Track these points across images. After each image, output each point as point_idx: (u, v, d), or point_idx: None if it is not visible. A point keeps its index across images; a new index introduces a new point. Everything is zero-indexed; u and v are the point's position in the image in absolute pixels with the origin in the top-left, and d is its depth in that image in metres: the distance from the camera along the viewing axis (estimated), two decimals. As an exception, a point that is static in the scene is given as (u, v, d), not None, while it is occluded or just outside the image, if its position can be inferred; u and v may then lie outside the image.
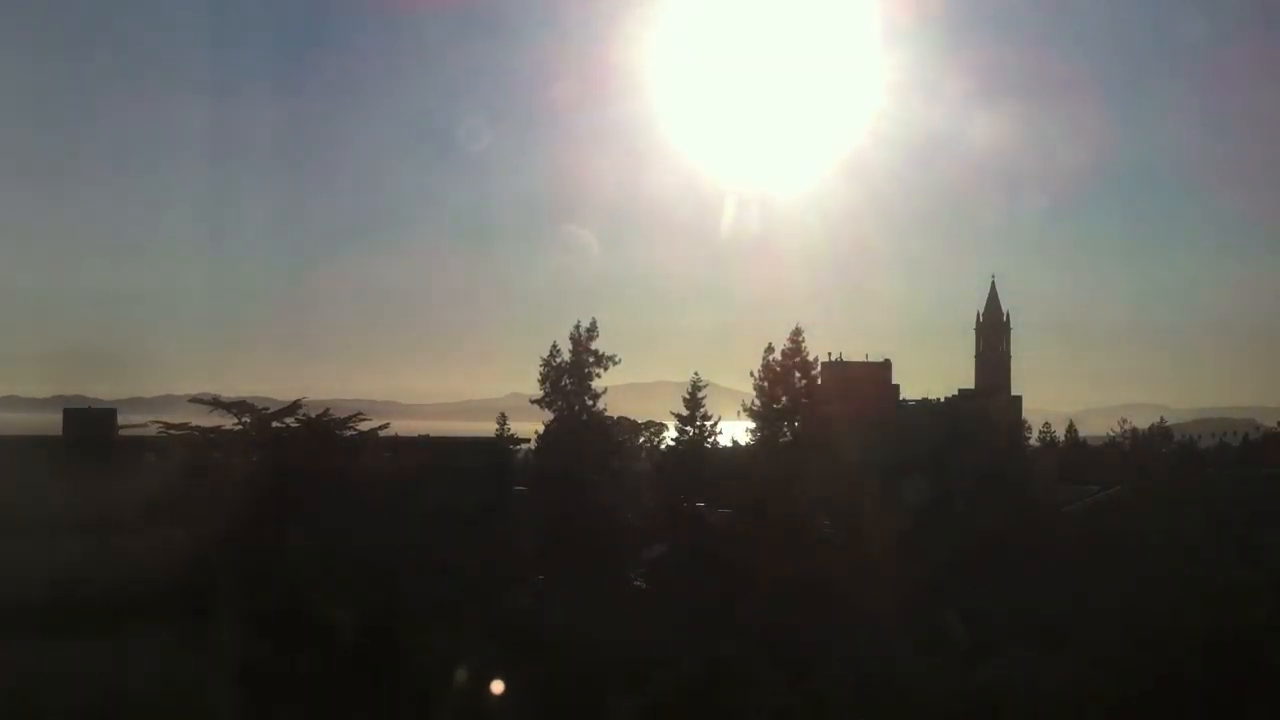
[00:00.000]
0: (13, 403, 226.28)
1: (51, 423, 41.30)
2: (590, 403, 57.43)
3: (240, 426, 28.38)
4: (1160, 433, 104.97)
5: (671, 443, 65.34)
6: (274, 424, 28.75)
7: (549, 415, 57.92)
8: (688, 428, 63.18)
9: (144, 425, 31.51)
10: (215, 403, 29.55)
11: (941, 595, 31.69)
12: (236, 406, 28.90)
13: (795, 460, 56.15)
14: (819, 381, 69.47)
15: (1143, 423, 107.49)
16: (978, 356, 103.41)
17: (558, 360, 57.55)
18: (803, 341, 67.16)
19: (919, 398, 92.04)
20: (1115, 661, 24.50)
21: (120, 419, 39.05)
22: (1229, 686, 22.49)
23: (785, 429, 65.81)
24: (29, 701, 20.43)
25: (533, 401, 59.20)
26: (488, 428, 71.86)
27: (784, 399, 66.60)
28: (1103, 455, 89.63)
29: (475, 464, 40.88)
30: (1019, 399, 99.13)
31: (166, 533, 24.03)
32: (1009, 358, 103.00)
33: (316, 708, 20.66)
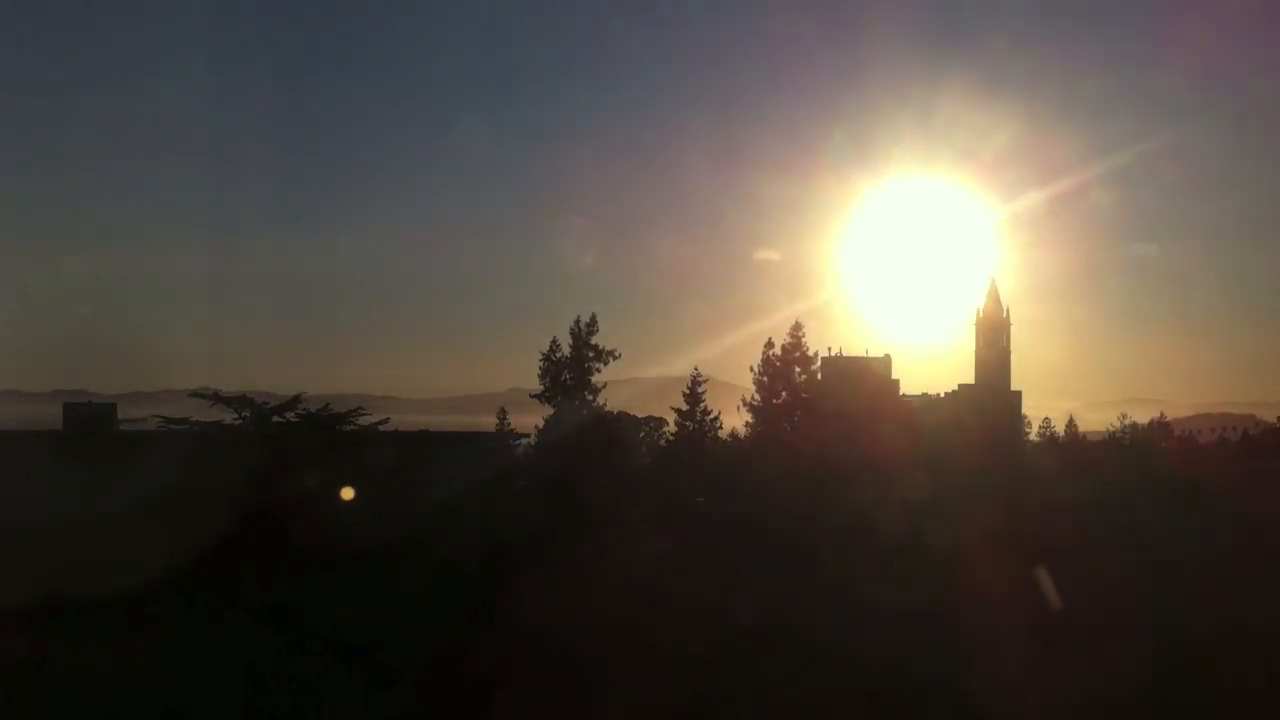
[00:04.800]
0: (13, 397, 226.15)
1: (52, 417, 41.36)
2: (590, 397, 57.61)
3: (240, 421, 28.32)
4: (1160, 428, 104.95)
5: (671, 437, 65.44)
6: (274, 419, 28.67)
7: (549, 410, 58.06)
8: (688, 422, 63.32)
9: (144, 420, 31.47)
10: (215, 397, 29.48)
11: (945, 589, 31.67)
12: (236, 401, 28.82)
13: (795, 455, 56.18)
14: (819, 377, 69.68)
15: (1143, 418, 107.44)
16: (978, 352, 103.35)
17: (558, 355, 57.72)
18: (803, 336, 67.44)
19: (919, 393, 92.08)
20: (1112, 660, 24.54)
21: (120, 413, 39.10)
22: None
23: (785, 424, 65.86)
24: (27, 699, 20.41)
25: (533, 396, 59.34)
26: (488, 422, 71.97)
27: (784, 394, 66.75)
28: (1103, 451, 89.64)
29: (475, 459, 40.81)
30: (1019, 394, 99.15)
31: (167, 528, 23.98)
32: (1009, 353, 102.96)
33: (317, 705, 20.65)
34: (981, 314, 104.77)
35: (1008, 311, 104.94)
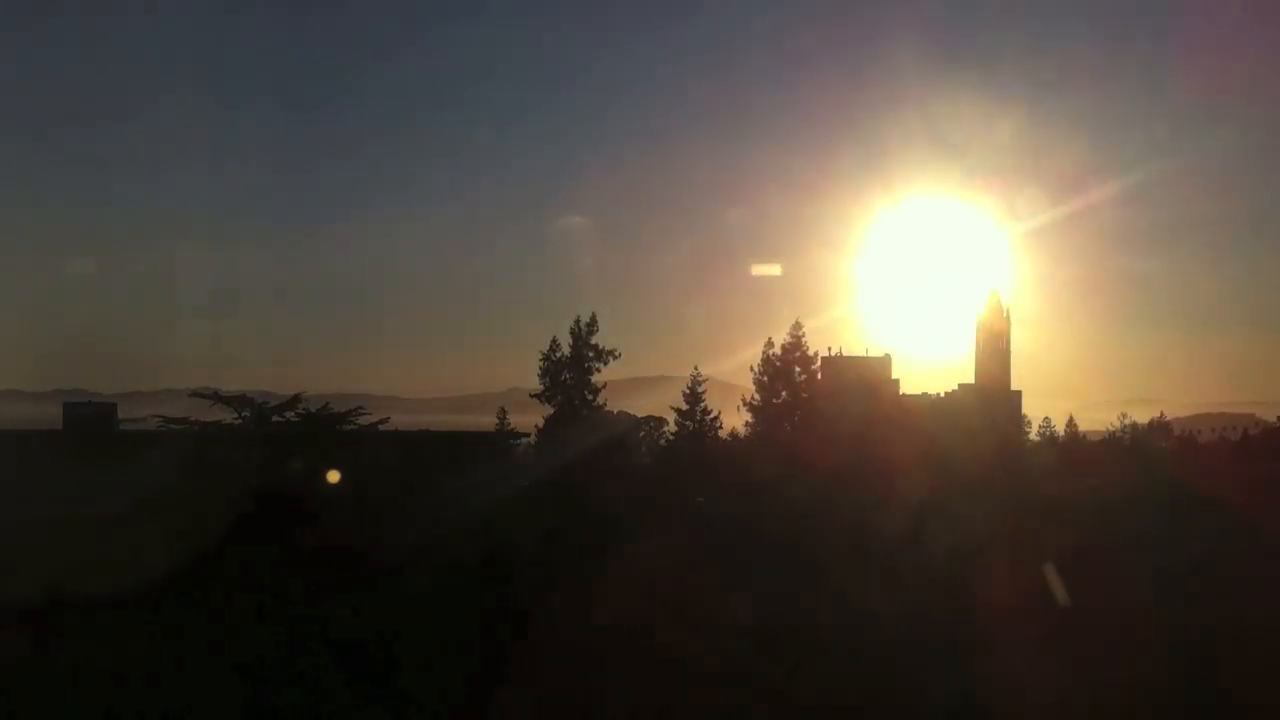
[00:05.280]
0: (12, 396, 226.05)
1: (52, 417, 41.23)
2: (590, 397, 57.56)
3: (240, 421, 28.32)
4: (1160, 428, 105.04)
5: (671, 437, 65.45)
6: (274, 418, 28.66)
7: (549, 409, 58.02)
8: (688, 422, 63.30)
9: (144, 419, 31.44)
10: (215, 397, 29.48)
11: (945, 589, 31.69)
12: (236, 401, 28.82)
13: (795, 455, 56.15)
14: (819, 376, 69.68)
15: (1143, 418, 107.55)
16: (978, 352, 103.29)
17: (558, 355, 57.69)
18: (803, 336, 67.48)
19: (919, 393, 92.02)
20: (1111, 660, 24.54)
21: (120, 413, 38.95)
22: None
23: (785, 424, 65.85)
24: (27, 699, 20.40)
25: (533, 396, 59.30)
26: (488, 422, 71.93)
27: (784, 394, 66.73)
28: (1103, 451, 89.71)
29: (475, 458, 40.78)
30: (1019, 394, 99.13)
31: (167, 527, 23.98)
32: (1009, 354, 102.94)
33: (317, 704, 20.64)
34: (982, 315, 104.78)
35: (1008, 312, 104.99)
